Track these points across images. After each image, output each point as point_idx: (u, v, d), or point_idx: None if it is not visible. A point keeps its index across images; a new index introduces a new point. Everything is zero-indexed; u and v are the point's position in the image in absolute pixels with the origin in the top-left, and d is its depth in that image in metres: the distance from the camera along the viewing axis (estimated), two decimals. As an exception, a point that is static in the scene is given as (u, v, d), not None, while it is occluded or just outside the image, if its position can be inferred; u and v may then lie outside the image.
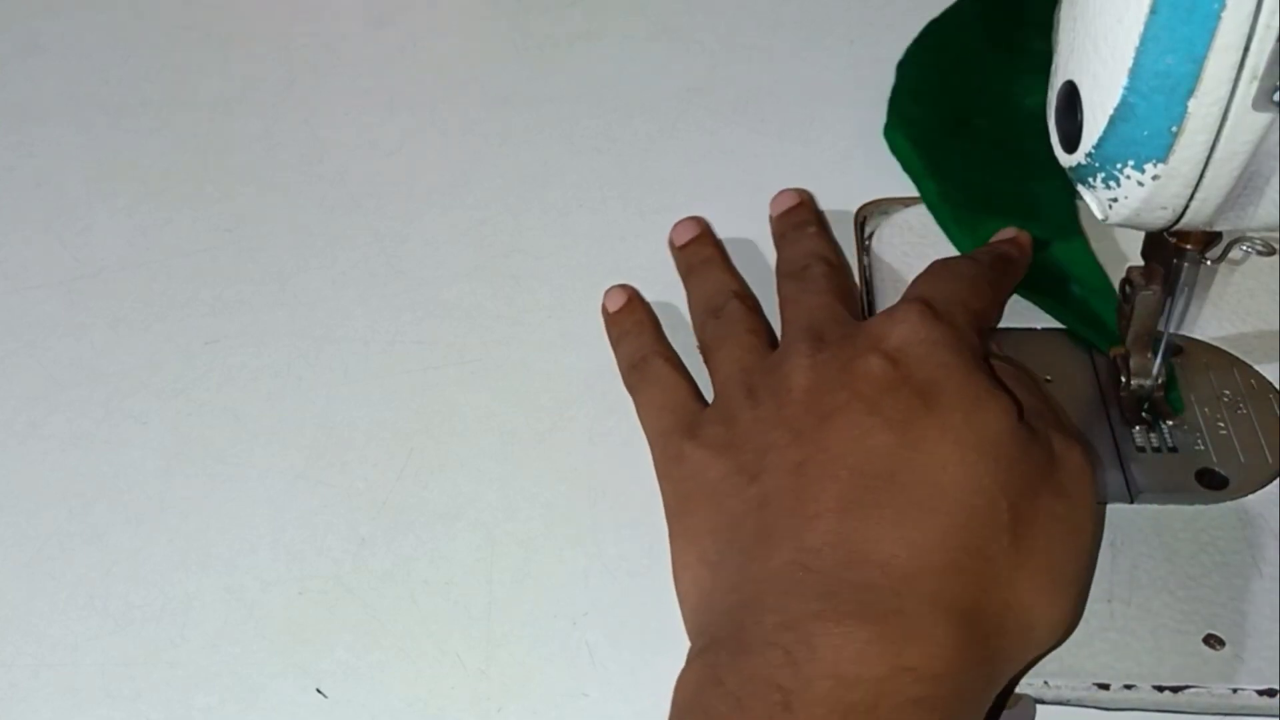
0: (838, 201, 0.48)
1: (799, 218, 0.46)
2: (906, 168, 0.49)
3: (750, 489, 0.33)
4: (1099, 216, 0.32)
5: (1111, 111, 0.29)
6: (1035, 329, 0.42)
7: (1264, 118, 0.27)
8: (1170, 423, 0.39)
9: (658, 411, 0.39)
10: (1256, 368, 0.40)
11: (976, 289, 0.38)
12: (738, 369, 0.38)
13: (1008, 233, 0.43)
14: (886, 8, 0.60)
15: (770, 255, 0.46)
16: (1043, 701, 0.33)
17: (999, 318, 0.41)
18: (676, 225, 0.47)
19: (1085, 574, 0.34)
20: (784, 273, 0.43)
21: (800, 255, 0.43)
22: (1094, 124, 0.30)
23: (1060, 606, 0.32)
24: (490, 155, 0.53)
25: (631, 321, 0.43)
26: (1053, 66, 0.32)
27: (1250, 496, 0.37)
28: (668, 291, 0.46)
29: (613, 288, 0.44)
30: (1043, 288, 0.43)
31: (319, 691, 0.34)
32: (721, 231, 0.48)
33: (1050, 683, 0.33)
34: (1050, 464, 0.33)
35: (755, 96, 0.55)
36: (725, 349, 0.39)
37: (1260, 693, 0.32)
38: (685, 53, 0.58)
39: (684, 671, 0.30)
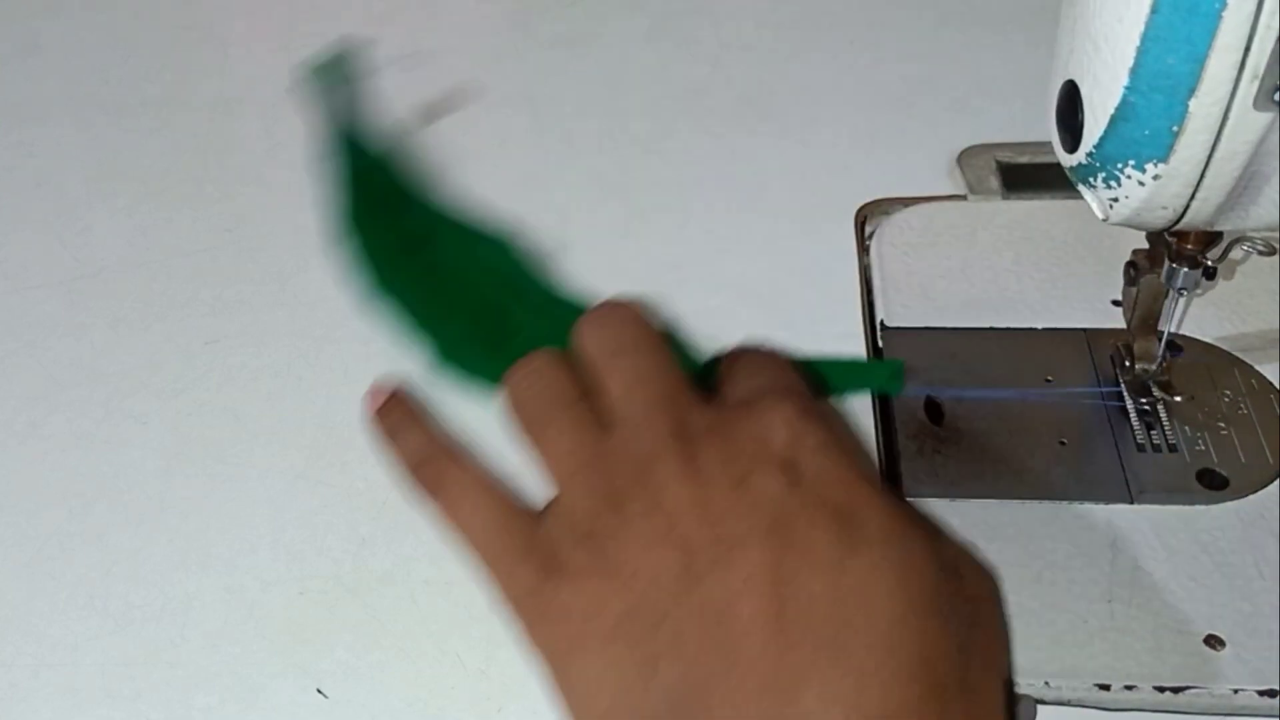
0: (838, 201, 0.48)
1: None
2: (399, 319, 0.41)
3: (660, 634, 0.28)
4: (1100, 216, 0.32)
5: (1112, 111, 0.29)
6: (1036, 329, 0.42)
7: (1265, 117, 0.27)
8: (1178, 398, 0.39)
9: (485, 534, 0.32)
10: (1256, 368, 0.40)
11: (792, 371, 0.34)
12: (576, 464, 0.31)
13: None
14: (886, 8, 0.60)
15: (769, 257, 0.46)
16: (1043, 701, 0.33)
17: None
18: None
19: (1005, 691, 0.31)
20: (586, 332, 0.34)
21: (605, 314, 0.35)
22: (1095, 124, 0.30)
23: None
24: (490, 155, 0.53)
25: (398, 417, 0.35)
26: (1053, 66, 0.32)
27: (1250, 496, 0.37)
28: (668, 292, 0.45)
29: (373, 386, 0.36)
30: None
31: (319, 692, 0.34)
32: (720, 232, 0.48)
33: (1050, 683, 0.33)
34: (963, 594, 0.30)
35: (755, 96, 0.55)
36: (548, 435, 0.32)
37: (1261, 693, 0.32)
38: (685, 53, 0.58)
39: None
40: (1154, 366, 0.39)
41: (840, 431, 0.31)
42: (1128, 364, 0.39)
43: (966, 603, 0.30)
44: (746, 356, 0.34)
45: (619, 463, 0.30)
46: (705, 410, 0.31)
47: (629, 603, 0.29)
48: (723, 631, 0.28)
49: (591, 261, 0.47)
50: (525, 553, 0.31)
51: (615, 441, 0.31)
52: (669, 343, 0.34)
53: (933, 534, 0.30)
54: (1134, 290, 0.38)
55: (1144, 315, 0.39)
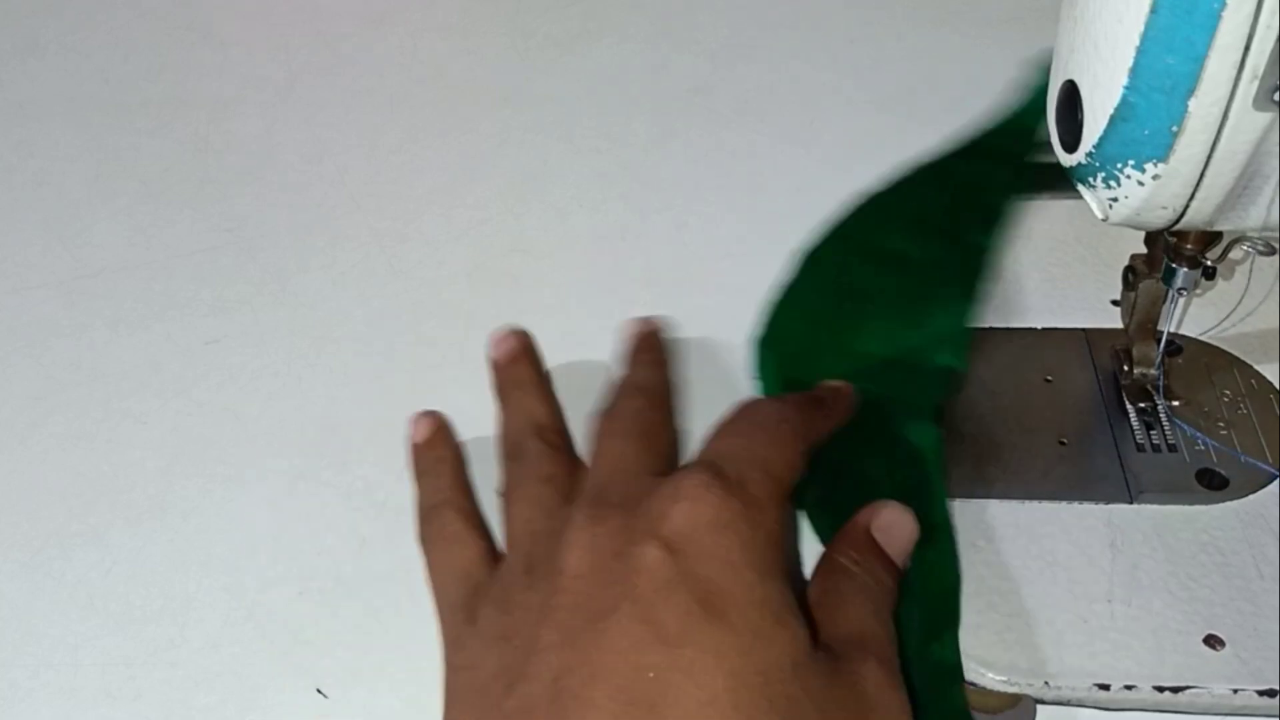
0: (838, 201, 0.48)
1: (639, 346, 0.41)
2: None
3: (508, 699, 0.29)
4: (1099, 216, 0.32)
5: (1112, 111, 0.29)
6: (1035, 329, 0.42)
7: (1264, 117, 0.27)
8: (1176, 402, 0.39)
9: (446, 579, 0.35)
10: (1256, 368, 0.40)
11: (779, 440, 0.34)
12: (525, 531, 0.34)
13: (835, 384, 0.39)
14: (886, 7, 0.60)
15: (769, 257, 0.46)
16: (1043, 701, 0.33)
17: (804, 468, 0.34)
18: (495, 338, 0.42)
19: None
20: (602, 407, 0.38)
21: (621, 386, 0.39)
22: (1094, 123, 0.30)
23: None
24: (490, 155, 0.53)
25: (434, 458, 0.39)
26: (1053, 66, 0.32)
27: (1250, 496, 0.37)
28: (669, 291, 0.46)
29: (420, 415, 0.40)
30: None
31: (319, 692, 0.34)
32: (719, 232, 0.48)
33: (1050, 683, 0.33)
34: (855, 703, 0.29)
35: (755, 96, 0.55)
36: (516, 503, 0.36)
37: (1260, 693, 0.32)
38: (685, 53, 0.58)
39: None
40: (1153, 371, 0.39)
41: (760, 519, 0.31)
42: (1126, 368, 0.39)
43: (844, 708, 0.29)
44: (746, 412, 0.35)
45: (549, 535, 0.33)
46: (641, 485, 0.33)
47: (499, 664, 0.30)
48: (551, 700, 0.28)
49: (592, 261, 0.47)
50: (464, 603, 0.34)
51: (555, 520, 0.33)
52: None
53: (812, 631, 0.30)
54: (1132, 295, 0.38)
55: (1142, 320, 0.39)
